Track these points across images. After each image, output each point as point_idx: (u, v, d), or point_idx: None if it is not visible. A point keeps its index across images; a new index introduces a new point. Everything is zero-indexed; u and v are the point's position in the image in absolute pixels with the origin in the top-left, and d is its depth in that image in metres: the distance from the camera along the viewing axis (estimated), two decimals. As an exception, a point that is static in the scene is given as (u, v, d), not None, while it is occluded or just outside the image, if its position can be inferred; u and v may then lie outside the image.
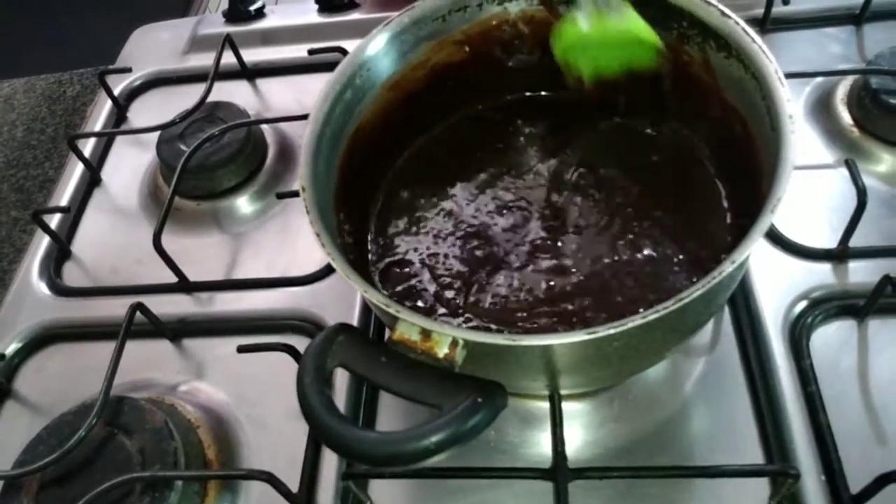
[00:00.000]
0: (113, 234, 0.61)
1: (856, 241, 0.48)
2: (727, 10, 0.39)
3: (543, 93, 0.52)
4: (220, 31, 0.71)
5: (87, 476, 0.43)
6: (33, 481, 0.44)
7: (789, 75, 0.37)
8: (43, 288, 0.57)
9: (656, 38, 0.42)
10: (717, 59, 0.41)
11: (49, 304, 0.56)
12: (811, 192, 0.52)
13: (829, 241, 0.48)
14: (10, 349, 0.54)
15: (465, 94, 0.51)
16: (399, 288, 0.45)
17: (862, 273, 0.47)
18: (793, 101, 0.35)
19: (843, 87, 0.56)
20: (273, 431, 0.47)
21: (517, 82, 0.51)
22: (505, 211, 0.47)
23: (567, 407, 0.44)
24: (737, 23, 0.39)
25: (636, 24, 0.41)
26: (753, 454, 0.42)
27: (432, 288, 0.44)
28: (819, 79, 0.57)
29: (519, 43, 0.49)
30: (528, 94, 0.52)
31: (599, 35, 0.42)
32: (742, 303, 0.47)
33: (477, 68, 0.49)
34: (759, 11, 0.62)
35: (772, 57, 0.37)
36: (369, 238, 0.47)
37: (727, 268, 0.31)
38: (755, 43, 0.38)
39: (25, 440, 0.46)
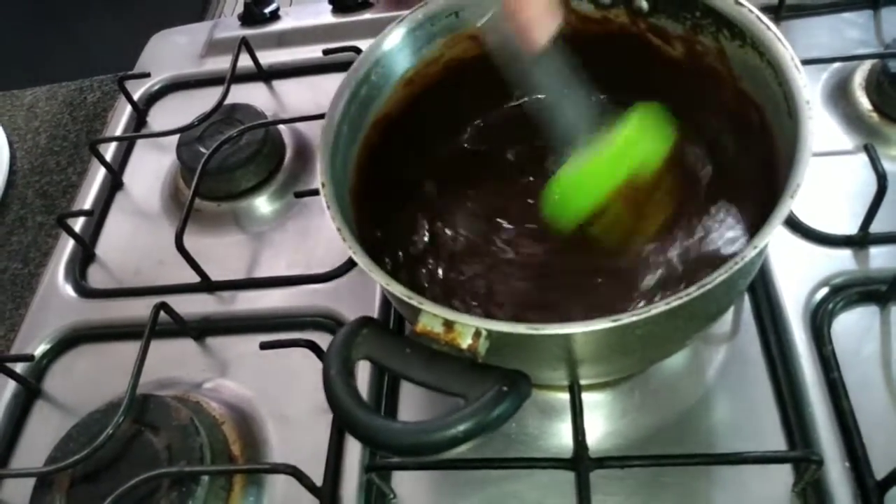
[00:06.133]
0: (136, 236, 0.62)
1: (876, 227, 0.47)
2: (741, -2, 0.39)
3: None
4: (235, 35, 0.71)
5: (115, 472, 0.44)
6: (64, 478, 0.45)
7: (806, 62, 0.36)
8: (69, 290, 0.58)
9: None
10: (732, 48, 0.41)
11: (75, 306, 0.57)
12: (830, 179, 0.51)
13: (850, 228, 0.48)
14: (39, 350, 0.55)
15: (483, 90, 0.51)
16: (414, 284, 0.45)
17: (883, 259, 0.47)
18: (810, 87, 0.35)
19: (861, 72, 0.56)
20: (296, 426, 0.48)
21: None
22: (521, 209, 0.47)
23: (588, 397, 0.44)
24: (751, 10, 0.39)
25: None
26: (776, 442, 0.42)
27: (448, 285, 0.44)
28: (837, 64, 0.57)
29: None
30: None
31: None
32: (762, 290, 0.47)
33: (491, 64, 0.49)
34: (775, -1, 0.61)
35: (787, 44, 0.37)
36: (382, 235, 0.48)
37: (749, 253, 0.31)
38: (770, 30, 0.38)
39: (56, 438, 0.47)
